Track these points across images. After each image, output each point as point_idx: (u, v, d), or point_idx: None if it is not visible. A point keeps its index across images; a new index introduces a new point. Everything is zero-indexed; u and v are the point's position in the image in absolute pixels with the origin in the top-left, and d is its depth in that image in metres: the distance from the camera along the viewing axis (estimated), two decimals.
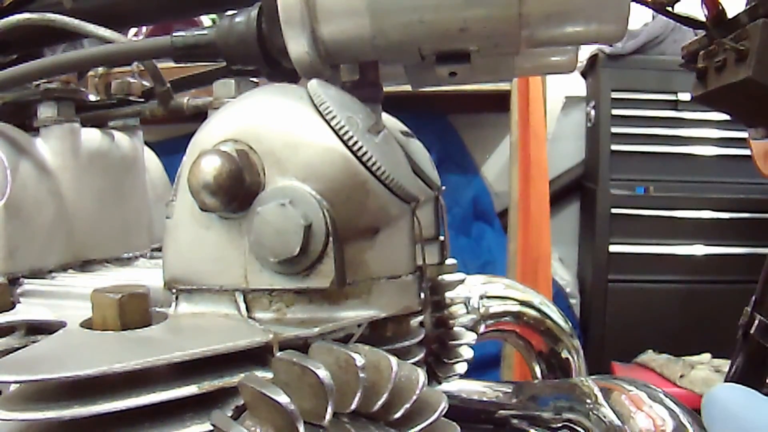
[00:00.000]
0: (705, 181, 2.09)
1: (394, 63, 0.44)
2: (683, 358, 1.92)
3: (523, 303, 0.78)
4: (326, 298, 0.33)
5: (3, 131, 0.51)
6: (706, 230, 2.08)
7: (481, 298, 0.75)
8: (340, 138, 0.32)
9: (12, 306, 0.45)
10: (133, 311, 0.33)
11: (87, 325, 0.34)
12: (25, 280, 0.49)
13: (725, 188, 2.08)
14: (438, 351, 0.56)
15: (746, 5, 0.51)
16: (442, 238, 0.50)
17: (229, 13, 0.40)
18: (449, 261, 0.53)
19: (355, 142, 0.31)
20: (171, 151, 0.68)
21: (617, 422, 0.50)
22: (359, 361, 0.28)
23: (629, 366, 2.04)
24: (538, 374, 0.81)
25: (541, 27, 0.35)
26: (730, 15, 0.52)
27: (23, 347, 0.33)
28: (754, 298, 0.70)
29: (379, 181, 0.32)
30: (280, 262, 0.31)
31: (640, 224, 2.10)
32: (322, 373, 0.26)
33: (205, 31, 0.40)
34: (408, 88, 0.50)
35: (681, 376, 1.84)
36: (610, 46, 2.02)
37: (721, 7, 0.52)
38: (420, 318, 0.49)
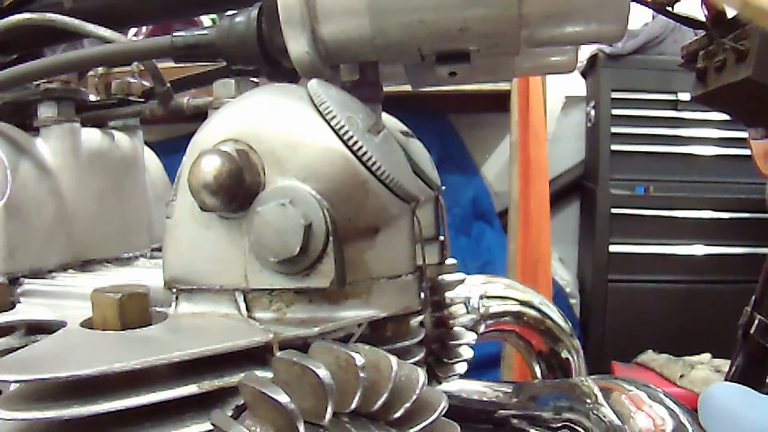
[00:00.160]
0: (705, 181, 2.09)
1: (394, 63, 0.44)
2: (683, 358, 1.92)
3: (523, 303, 0.78)
4: (326, 298, 0.33)
5: (3, 131, 0.51)
6: (706, 230, 2.08)
7: (481, 298, 0.75)
8: (340, 138, 0.32)
9: (12, 306, 0.45)
10: (133, 311, 0.33)
11: (87, 324, 0.34)
12: (25, 280, 0.49)
13: (725, 188, 2.08)
14: (438, 351, 0.56)
15: None
16: (442, 238, 0.50)
17: (229, 13, 0.40)
18: (449, 261, 0.53)
19: (355, 142, 0.31)
20: (171, 151, 0.68)
21: (617, 422, 0.50)
22: (359, 360, 0.28)
23: (629, 366, 2.04)
24: (538, 374, 0.81)
25: (541, 27, 0.35)
26: (729, 15, 0.52)
27: (23, 347, 0.33)
28: (753, 298, 0.70)
29: (379, 181, 0.32)
30: (280, 262, 0.31)
31: (640, 224, 2.09)
32: (322, 373, 0.26)
33: (205, 31, 0.40)
34: (408, 88, 0.50)
35: (681, 376, 1.84)
36: (610, 46, 2.02)
37: (721, 7, 0.52)
38: (420, 318, 0.49)
